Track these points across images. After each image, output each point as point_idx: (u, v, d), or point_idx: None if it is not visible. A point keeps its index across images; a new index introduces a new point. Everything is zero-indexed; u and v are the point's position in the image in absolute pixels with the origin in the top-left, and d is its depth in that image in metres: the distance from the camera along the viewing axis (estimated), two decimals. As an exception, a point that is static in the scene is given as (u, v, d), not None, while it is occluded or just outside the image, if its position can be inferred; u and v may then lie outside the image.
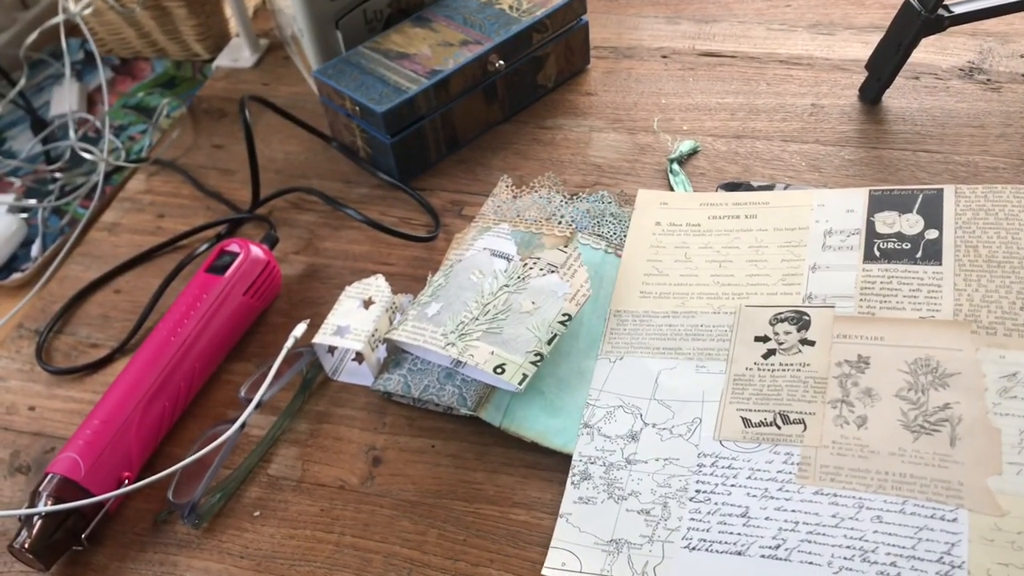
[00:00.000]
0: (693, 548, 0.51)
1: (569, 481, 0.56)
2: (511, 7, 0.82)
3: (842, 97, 0.82)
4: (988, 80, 0.81)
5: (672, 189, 0.75)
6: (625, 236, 0.68)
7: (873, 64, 0.80)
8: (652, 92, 0.85)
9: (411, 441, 0.61)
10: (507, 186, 0.74)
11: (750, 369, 0.58)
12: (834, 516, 0.51)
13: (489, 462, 0.59)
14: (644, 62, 0.89)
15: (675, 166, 0.76)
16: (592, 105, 0.85)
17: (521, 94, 0.84)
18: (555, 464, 0.58)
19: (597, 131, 0.82)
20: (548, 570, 0.53)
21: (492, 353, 0.59)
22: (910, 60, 0.82)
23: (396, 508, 0.58)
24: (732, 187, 0.71)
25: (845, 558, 0.49)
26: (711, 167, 0.77)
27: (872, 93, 0.81)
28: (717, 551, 0.51)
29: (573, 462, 0.57)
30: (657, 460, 0.55)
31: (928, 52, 0.84)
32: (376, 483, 0.59)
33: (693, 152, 0.78)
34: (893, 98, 0.81)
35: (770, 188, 0.70)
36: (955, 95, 0.81)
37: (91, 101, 0.98)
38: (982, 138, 0.76)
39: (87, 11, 0.82)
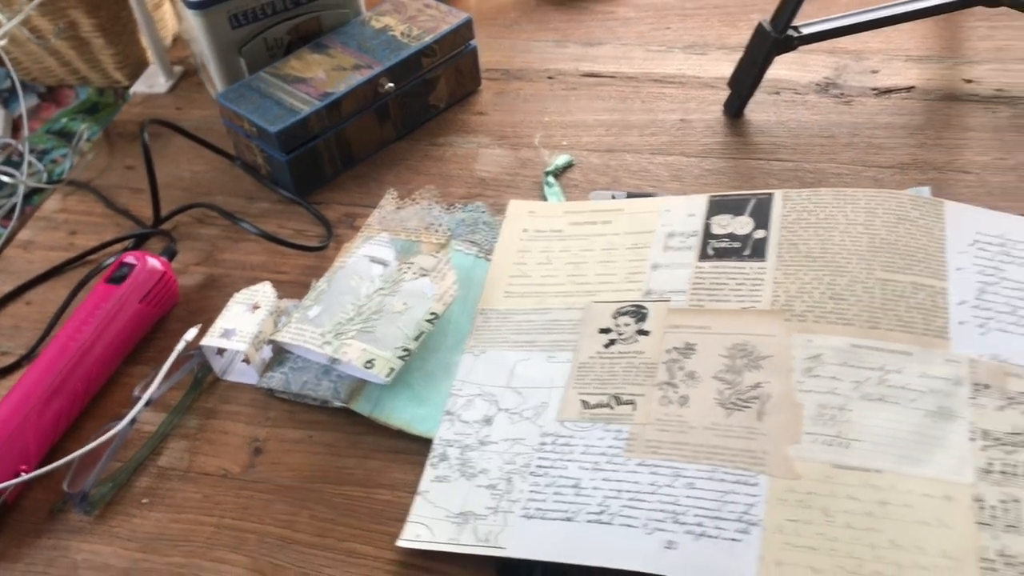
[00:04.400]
0: (530, 517, 0.57)
1: (428, 462, 0.62)
2: (403, 34, 0.89)
3: (708, 112, 0.89)
4: (841, 94, 0.89)
5: (546, 199, 0.81)
6: (496, 242, 0.74)
7: (734, 81, 0.87)
8: (537, 111, 0.92)
9: (291, 432, 0.67)
10: (393, 198, 0.80)
11: (593, 358, 0.64)
12: (652, 484, 0.57)
13: (360, 449, 0.65)
14: (532, 83, 0.96)
15: (550, 178, 0.83)
16: (482, 123, 0.92)
17: (414, 114, 0.90)
18: (420, 449, 0.64)
19: (484, 147, 0.89)
20: (403, 541, 0.58)
21: (363, 350, 0.65)
22: (773, 76, 0.90)
23: (273, 493, 0.63)
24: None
25: (659, 520, 0.55)
26: (584, 179, 0.84)
27: (734, 108, 0.88)
28: (550, 518, 0.57)
29: (433, 445, 0.63)
30: (506, 441, 0.61)
31: (790, 69, 0.92)
32: (256, 471, 0.65)
33: (568, 165, 0.85)
34: (755, 112, 0.88)
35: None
36: (811, 108, 0.88)
37: (16, 127, 1.03)
38: (831, 147, 0.84)
39: (2, 42, 0.88)
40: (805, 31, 0.84)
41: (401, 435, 0.65)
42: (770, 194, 0.70)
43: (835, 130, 0.85)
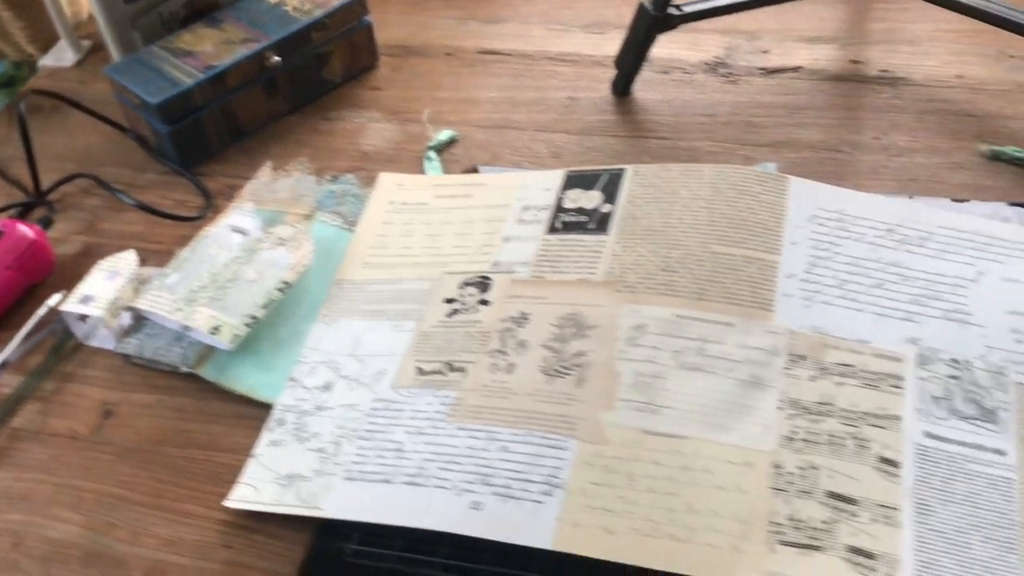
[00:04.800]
0: (352, 479, 0.58)
1: (265, 427, 0.63)
2: (295, 8, 0.90)
3: (597, 91, 0.90)
4: (729, 74, 0.90)
5: (425, 174, 0.82)
6: (362, 214, 0.75)
7: (619, 60, 0.88)
8: (431, 86, 0.93)
9: (142, 397, 0.68)
10: (269, 170, 0.81)
11: (435, 327, 0.65)
12: (469, 448, 0.58)
13: (206, 414, 0.66)
14: (430, 59, 0.96)
15: (431, 153, 0.84)
16: (375, 99, 0.93)
17: (306, 88, 0.91)
18: (263, 414, 0.65)
19: (374, 122, 0.90)
20: (229, 502, 0.60)
21: (211, 316, 0.67)
22: (666, 55, 0.90)
23: (117, 455, 0.65)
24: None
25: (469, 482, 0.56)
26: (465, 154, 0.85)
27: (620, 87, 0.89)
28: (369, 480, 0.58)
29: (273, 411, 0.64)
30: (342, 406, 0.63)
31: (682, 48, 0.93)
32: (104, 433, 0.66)
33: (451, 141, 0.86)
34: (643, 90, 0.89)
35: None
36: (697, 88, 0.89)
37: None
38: (710, 126, 0.84)
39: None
40: (687, 9, 0.84)
41: (248, 401, 0.66)
42: (622, 169, 0.71)
43: (717, 109, 0.86)
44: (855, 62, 0.89)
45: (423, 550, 0.56)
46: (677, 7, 0.84)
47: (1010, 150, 0.77)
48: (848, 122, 0.83)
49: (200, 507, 0.61)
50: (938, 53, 0.89)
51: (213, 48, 0.86)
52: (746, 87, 0.88)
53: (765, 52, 0.91)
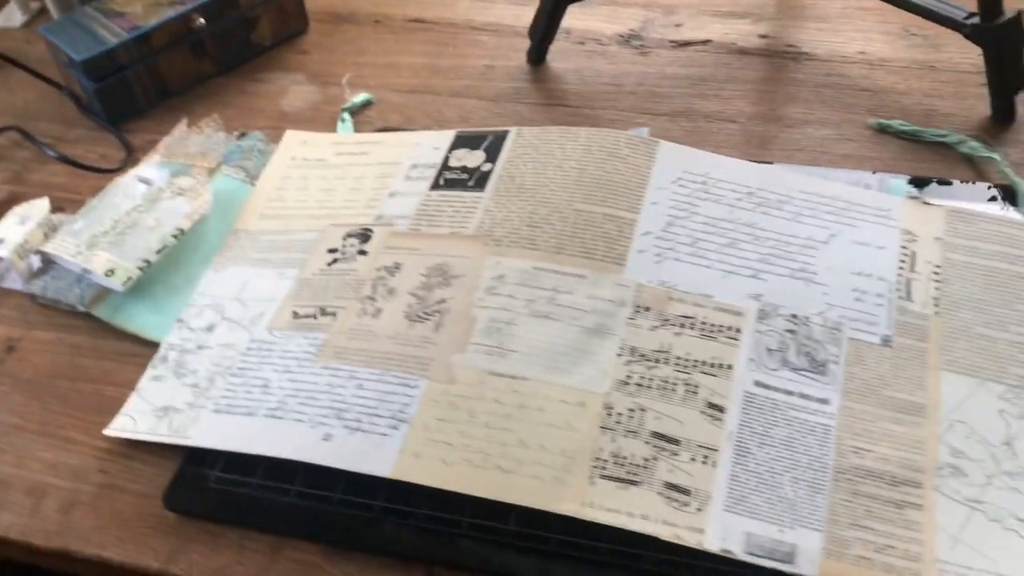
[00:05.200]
0: (219, 412, 0.62)
1: (150, 364, 0.67)
2: (224, -26, 0.93)
3: (514, 60, 0.93)
4: (641, 46, 0.93)
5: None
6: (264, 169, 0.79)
7: (531, 31, 0.91)
8: (356, 52, 0.96)
9: (44, 334, 0.72)
10: (184, 126, 0.85)
11: (315, 274, 0.69)
12: (328, 385, 0.62)
13: (100, 351, 0.70)
14: (359, 26, 1.00)
15: (345, 115, 0.87)
16: (302, 62, 0.96)
17: (235, 51, 0.95)
18: (152, 353, 0.69)
19: (297, 84, 0.93)
20: (108, 430, 0.64)
21: (108, 260, 0.70)
22: (583, 27, 0.94)
23: (13, 386, 0.69)
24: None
25: (324, 416, 0.60)
26: (378, 117, 0.88)
27: (534, 57, 0.92)
28: (235, 413, 0.62)
29: (159, 349, 0.68)
30: (220, 346, 0.66)
31: (601, 21, 0.96)
32: (4, 367, 0.70)
33: (366, 103, 0.89)
34: (558, 60, 0.92)
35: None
36: (609, 59, 0.92)
37: None
38: (615, 95, 0.87)
39: None
40: (596, -19, 0.87)
41: (141, 340, 0.70)
42: (506, 131, 0.74)
43: (625, 79, 0.89)
44: (763, 37, 0.92)
45: (280, 478, 0.60)
46: (586, -21, 0.87)
47: (896, 123, 0.80)
48: (748, 94, 0.86)
49: (83, 435, 0.65)
50: (845, 30, 0.91)
51: (142, 9, 0.90)
52: (655, 59, 0.91)
53: (679, 26, 0.94)
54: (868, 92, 0.84)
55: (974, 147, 0.76)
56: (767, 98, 0.85)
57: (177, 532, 0.59)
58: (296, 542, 0.58)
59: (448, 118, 0.87)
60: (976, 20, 0.76)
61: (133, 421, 0.63)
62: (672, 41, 0.92)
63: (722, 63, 0.90)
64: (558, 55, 0.92)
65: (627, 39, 0.93)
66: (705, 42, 0.92)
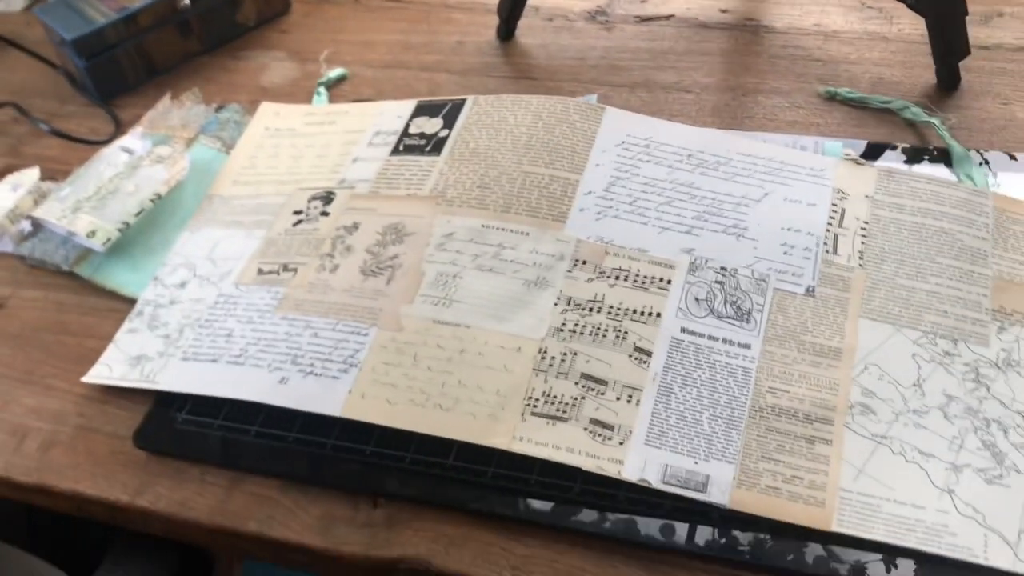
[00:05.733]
0: (186, 359, 0.67)
1: (127, 317, 0.72)
2: (209, -44, 0.98)
3: (484, 36, 0.97)
4: (607, 21, 0.96)
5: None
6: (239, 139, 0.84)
7: (499, 8, 0.95)
8: (335, 30, 1.01)
9: (31, 292, 0.77)
10: (167, 100, 0.90)
11: (280, 234, 0.73)
12: (286, 333, 0.66)
13: (82, 308, 0.75)
14: (338, 6, 1.04)
15: (321, 89, 0.92)
16: (283, 41, 1.01)
17: (220, 30, 0.99)
18: (130, 309, 0.74)
19: (277, 61, 0.98)
20: (87, 378, 0.68)
21: (90, 222, 0.75)
22: (552, 5, 0.98)
23: (1, 340, 0.74)
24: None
25: (281, 362, 0.65)
26: (353, 90, 0.93)
27: (503, 33, 0.96)
28: (200, 360, 0.67)
29: (136, 305, 0.73)
30: (191, 300, 0.71)
31: (569, -2, 0.99)
32: (-6, 322, 0.76)
33: (341, 78, 0.94)
34: (526, 36, 0.96)
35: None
36: (575, 34, 0.95)
37: None
38: (578, 68, 0.91)
39: None
40: (559, -41, 0.91)
41: (120, 297, 0.75)
42: (464, 100, 0.78)
43: (588, 53, 0.93)
44: (724, 11, 0.95)
45: (241, 419, 0.64)
46: (550, -43, 0.90)
47: (844, 91, 0.83)
48: (705, 66, 0.89)
49: (63, 383, 0.70)
50: (803, 4, 0.95)
51: (131, -9, 0.95)
52: (619, 34, 0.94)
53: (644, 2, 0.98)
54: (820, 62, 0.87)
55: (916, 112, 0.79)
56: (723, 69, 0.88)
57: (145, 468, 0.64)
58: (254, 477, 0.63)
59: (418, 91, 0.91)
60: (919, -10, 0.79)
61: (109, 369, 0.68)
62: (636, 16, 0.96)
63: (683, 37, 0.93)
64: (527, 31, 0.96)
65: (593, 15, 0.97)
66: (668, 17, 0.95)
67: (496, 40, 0.96)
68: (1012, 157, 0.73)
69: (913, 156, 0.74)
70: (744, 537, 0.55)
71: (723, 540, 0.55)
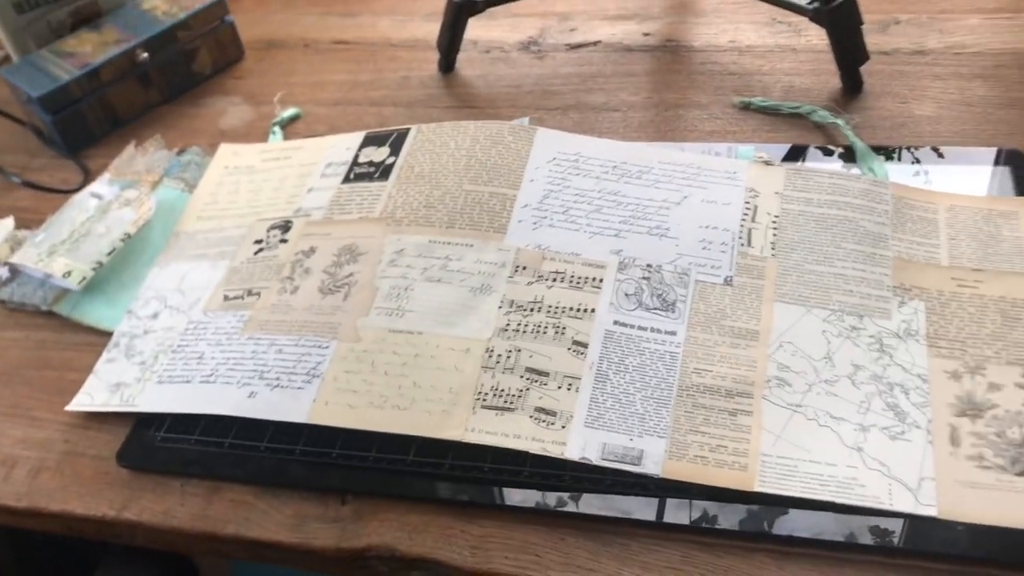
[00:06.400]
0: (162, 382, 0.72)
1: (105, 349, 0.77)
2: (164, 12, 1.04)
3: (427, 70, 1.04)
4: (539, 51, 1.03)
5: (267, 145, 0.96)
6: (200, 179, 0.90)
7: (438, 43, 1.02)
8: (287, 73, 1.07)
9: (12, 333, 0.82)
10: (132, 148, 0.95)
11: (243, 263, 0.79)
12: (253, 352, 0.72)
13: (62, 344, 0.81)
14: (289, 51, 1.11)
15: (275, 128, 0.98)
16: (239, 86, 1.07)
17: (178, 80, 1.05)
18: (107, 341, 0.79)
19: (234, 105, 1.04)
20: (70, 407, 0.74)
21: (65, 264, 0.81)
22: (488, 37, 1.05)
23: (-13, 378, 0.79)
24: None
25: (249, 378, 0.70)
26: (306, 128, 0.99)
27: (444, 66, 1.03)
28: (175, 382, 0.72)
29: (112, 337, 0.78)
30: (163, 329, 0.77)
31: (503, 31, 1.07)
32: (-22, 363, 0.80)
33: (295, 117, 1.00)
34: (466, 68, 1.03)
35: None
36: (511, 64, 1.03)
37: None
38: (515, 96, 0.98)
39: None
40: (492, -5, 0.98)
41: (97, 332, 0.80)
42: (408, 128, 0.85)
43: (523, 81, 1.00)
44: (647, 35, 1.03)
45: (216, 433, 0.70)
46: (482, -7, 0.98)
47: (757, 100, 0.90)
48: (630, 86, 0.96)
49: (48, 414, 0.75)
50: (718, 23, 1.02)
51: (91, 49, 1.01)
52: (551, 61, 1.02)
53: (573, 30, 1.05)
54: (736, 75, 0.95)
55: (823, 115, 0.86)
56: (648, 88, 0.96)
57: (129, 485, 0.69)
58: (231, 485, 0.68)
59: (368, 124, 0.97)
60: (817, 4, 0.87)
61: (90, 397, 0.73)
62: (566, 44, 1.03)
63: (610, 61, 1.00)
64: (466, 63, 1.03)
65: (527, 46, 1.04)
66: (595, 43, 1.03)
67: (438, 73, 1.03)
68: (939, 154, 0.80)
69: (824, 155, 0.81)
70: (678, 503, 0.61)
71: (660, 507, 0.61)
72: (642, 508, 0.61)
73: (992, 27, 0.94)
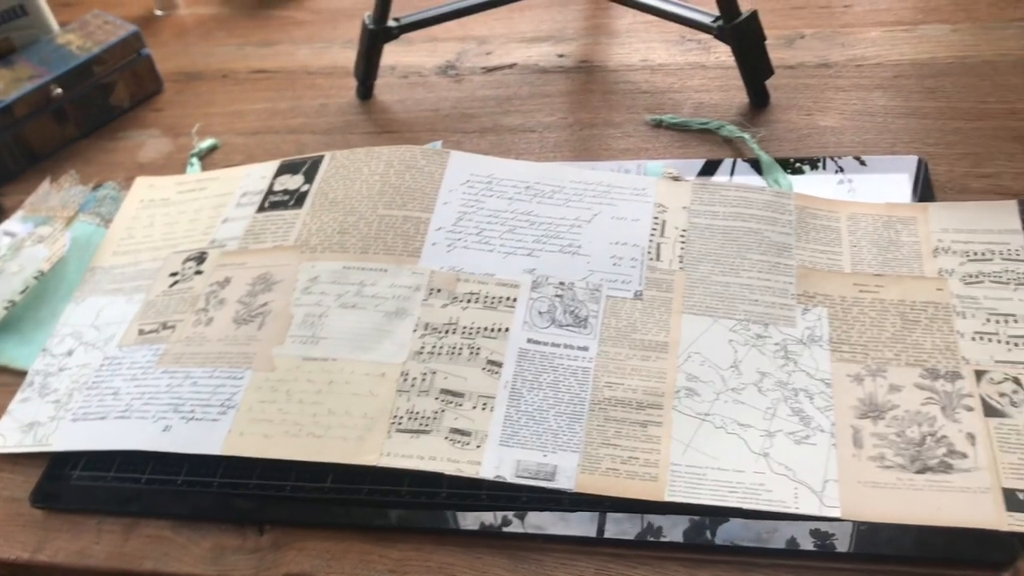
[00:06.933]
0: (76, 420, 0.72)
1: (19, 389, 0.76)
2: (78, 47, 1.04)
3: (346, 97, 1.05)
4: (456, 74, 1.05)
5: (185, 177, 0.96)
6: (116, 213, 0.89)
7: (355, 70, 1.03)
8: (206, 104, 1.07)
9: (-76, 377, 0.81)
10: (47, 184, 0.95)
11: (159, 296, 0.79)
12: (168, 385, 0.71)
13: (-24, 385, 0.79)
14: (208, 82, 1.11)
15: (193, 159, 0.98)
16: (158, 119, 1.07)
17: (95, 114, 1.05)
18: (22, 381, 0.78)
19: (153, 138, 1.04)
20: (-19, 449, 0.73)
21: (-24, 304, 0.80)
22: (407, 63, 1.05)
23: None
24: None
25: (164, 412, 0.70)
26: (224, 158, 0.99)
27: (362, 92, 1.03)
28: (90, 419, 0.71)
29: (27, 376, 0.77)
30: (78, 366, 0.76)
31: (421, 55, 1.08)
32: None
33: (213, 148, 1.00)
34: (384, 94, 1.04)
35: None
36: (429, 88, 1.03)
37: None
38: (434, 119, 0.99)
39: None
40: (405, 21, 0.99)
41: (11, 371, 0.79)
42: (322, 155, 0.85)
43: (441, 104, 1.01)
44: (562, 56, 1.04)
45: (133, 469, 0.69)
46: (396, 20, 0.99)
47: (668, 117, 0.92)
48: (546, 107, 0.98)
49: (-39, 457, 0.74)
50: (631, 43, 1.04)
51: (3, 85, 1.00)
52: (468, 84, 1.03)
53: (489, 54, 1.07)
54: (648, 94, 0.97)
55: (731, 130, 0.89)
56: (563, 108, 0.97)
57: (44, 526, 0.68)
58: (148, 520, 0.68)
59: (286, 153, 0.98)
60: (721, 22, 0.89)
61: (3, 438, 0.72)
62: (483, 68, 1.05)
63: (526, 83, 1.02)
64: (384, 89, 1.04)
65: (444, 70, 1.06)
66: (511, 66, 1.04)
67: (357, 100, 1.04)
68: (862, 162, 0.82)
69: (733, 168, 0.84)
70: (592, 517, 0.62)
71: (574, 522, 0.62)
72: (556, 523, 0.62)
73: (891, 39, 0.97)
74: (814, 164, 0.82)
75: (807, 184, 0.80)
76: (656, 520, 0.61)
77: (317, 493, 0.65)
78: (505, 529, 0.62)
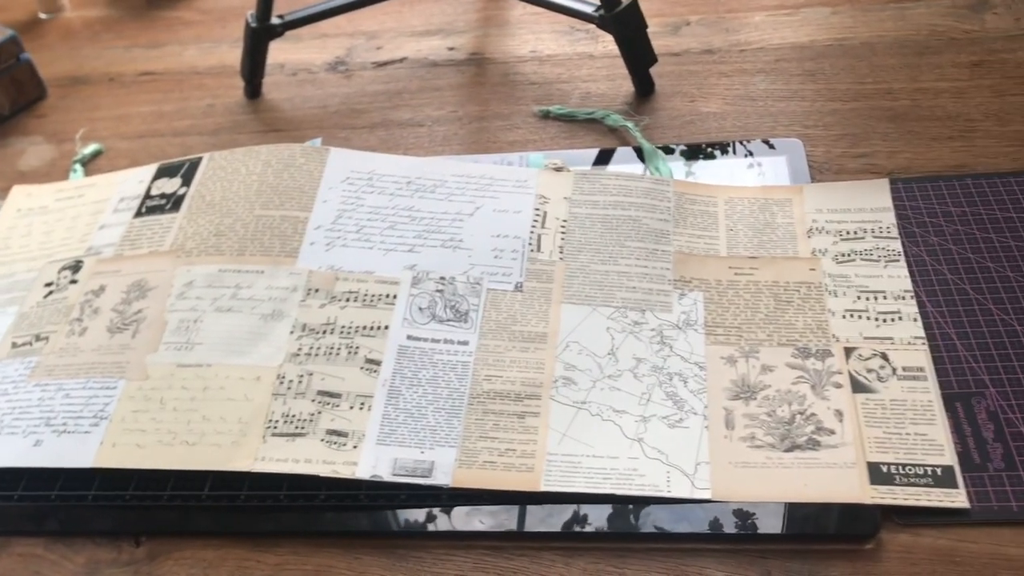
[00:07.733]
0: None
1: None
2: (-48, 53, 1.00)
3: (233, 97, 1.03)
4: (346, 70, 1.03)
5: (66, 184, 0.93)
6: (-7, 224, 0.86)
7: (241, 70, 1.01)
8: (91, 108, 1.04)
9: None
10: (-79, 197, 0.91)
11: (32, 307, 0.77)
12: (39, 399, 0.69)
13: None
14: (93, 85, 1.08)
15: (76, 166, 0.95)
16: (40, 125, 1.04)
17: (-27, 123, 1.01)
18: None
19: (35, 145, 1.01)
20: None
21: None
22: (295, 60, 1.04)
23: None
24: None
25: (35, 426, 0.68)
26: (109, 164, 0.97)
27: (250, 92, 1.02)
28: (-43, 437, 0.69)
29: None
30: (-52, 383, 0.73)
31: (310, 52, 1.06)
32: None
33: (97, 153, 0.97)
34: (273, 92, 1.02)
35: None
36: (318, 85, 1.02)
37: None
38: (323, 116, 0.98)
39: None
40: (289, 18, 0.98)
41: None
42: (200, 157, 0.84)
43: (330, 101, 1.00)
44: (452, 49, 1.04)
45: (4, 487, 0.67)
46: (281, 17, 0.97)
47: (555, 108, 0.92)
48: (435, 101, 0.97)
49: None
50: (520, 34, 1.04)
51: None
52: (358, 80, 1.02)
53: (379, 48, 1.06)
54: (536, 85, 0.97)
55: (615, 119, 0.89)
56: (452, 102, 0.97)
57: (-89, 550, 0.66)
58: (20, 539, 0.66)
59: (172, 155, 0.96)
60: (602, 11, 0.89)
61: None
62: (373, 63, 1.04)
63: (416, 77, 1.01)
64: (273, 87, 1.03)
65: (334, 66, 1.04)
66: (402, 60, 1.03)
67: (245, 99, 1.02)
68: (770, 145, 0.83)
69: (619, 157, 0.84)
70: (470, 511, 0.62)
71: (453, 517, 0.61)
72: (434, 520, 0.61)
73: (774, 23, 0.99)
74: (724, 149, 0.83)
75: (718, 169, 0.81)
76: (533, 511, 0.61)
77: (195, 501, 0.64)
78: (384, 528, 0.61)
